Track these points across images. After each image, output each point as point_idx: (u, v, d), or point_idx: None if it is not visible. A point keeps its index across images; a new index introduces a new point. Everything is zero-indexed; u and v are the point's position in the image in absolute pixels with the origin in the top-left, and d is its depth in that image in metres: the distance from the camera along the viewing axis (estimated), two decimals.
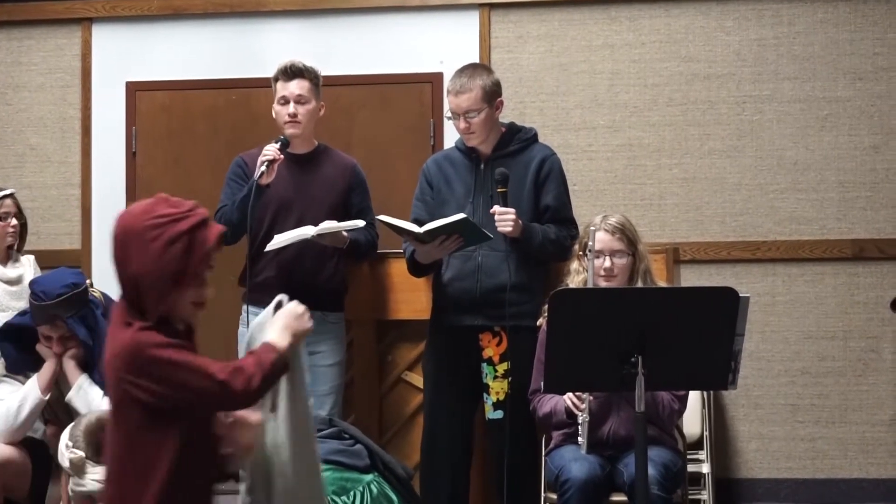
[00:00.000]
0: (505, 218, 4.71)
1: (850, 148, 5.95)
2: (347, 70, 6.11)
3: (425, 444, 4.98)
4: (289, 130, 5.08)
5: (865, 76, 5.94)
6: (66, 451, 3.93)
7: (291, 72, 5.06)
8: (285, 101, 5.07)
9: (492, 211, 4.74)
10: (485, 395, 4.87)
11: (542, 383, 4.16)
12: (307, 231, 4.88)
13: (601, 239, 4.45)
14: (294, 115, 5.04)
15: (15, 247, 5.56)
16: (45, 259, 5.88)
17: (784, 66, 5.99)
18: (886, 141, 5.92)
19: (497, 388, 4.83)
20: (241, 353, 4.99)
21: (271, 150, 4.94)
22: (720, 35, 6.03)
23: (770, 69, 5.99)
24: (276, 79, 5.11)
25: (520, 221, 4.73)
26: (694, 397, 5.16)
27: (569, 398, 4.34)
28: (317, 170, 5.14)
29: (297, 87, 5.05)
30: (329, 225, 4.91)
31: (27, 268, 5.60)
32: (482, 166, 4.95)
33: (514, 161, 4.91)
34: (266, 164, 4.90)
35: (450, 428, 4.91)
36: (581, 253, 4.56)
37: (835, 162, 5.95)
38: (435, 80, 6.11)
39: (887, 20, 5.94)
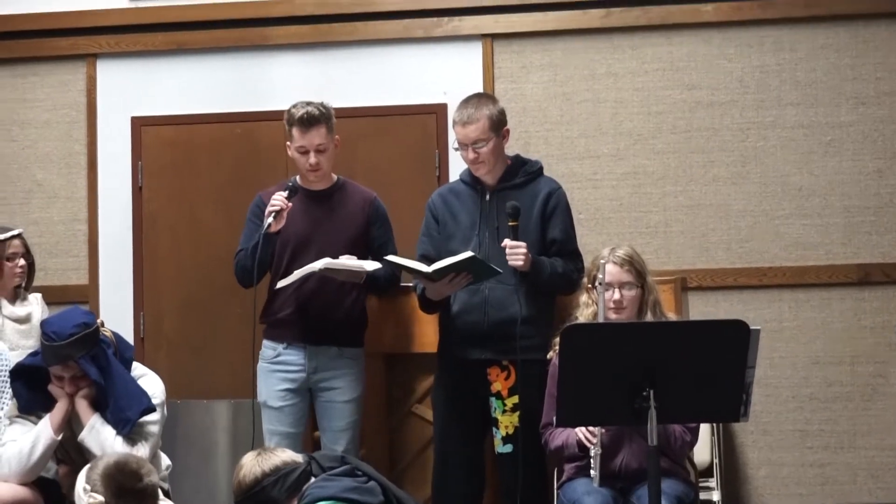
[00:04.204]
0: (516, 252, 4.73)
1: (854, 173, 5.96)
2: (351, 102, 6.12)
3: (436, 478, 4.98)
4: (311, 178, 5.10)
5: (868, 101, 5.96)
6: (85, 495, 3.92)
7: (308, 121, 5.05)
8: (305, 150, 5.07)
9: (503, 244, 4.75)
10: (494, 429, 4.87)
11: (553, 417, 4.17)
12: (315, 265, 4.90)
13: (610, 271, 4.47)
14: (316, 165, 5.06)
15: (23, 286, 5.59)
16: (53, 294, 5.91)
17: (787, 92, 6.01)
18: (890, 165, 5.94)
19: (506, 422, 4.83)
20: (262, 387, 5.08)
21: (279, 200, 4.96)
22: (722, 62, 6.05)
23: (773, 95, 6.01)
24: (290, 124, 5.09)
25: (530, 255, 4.75)
26: (704, 425, 5.16)
27: (581, 431, 4.35)
28: (336, 205, 5.15)
29: (315, 136, 5.05)
30: (341, 261, 4.93)
31: (35, 306, 5.62)
32: (488, 198, 4.97)
33: (520, 193, 4.92)
34: (273, 214, 4.94)
35: (460, 461, 4.91)
36: (590, 286, 4.57)
37: (839, 187, 5.97)
38: (439, 111, 6.13)
39: (888, 45, 5.96)
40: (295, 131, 5.07)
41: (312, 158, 5.06)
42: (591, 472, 4.30)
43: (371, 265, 4.94)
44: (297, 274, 4.93)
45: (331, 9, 6.28)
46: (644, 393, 3.75)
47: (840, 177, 5.97)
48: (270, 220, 4.94)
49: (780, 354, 5.92)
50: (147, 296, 6.29)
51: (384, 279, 5.07)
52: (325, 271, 4.91)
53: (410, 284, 5.13)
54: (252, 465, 4.00)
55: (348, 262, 4.93)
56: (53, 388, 4.62)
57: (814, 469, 5.90)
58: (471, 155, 4.93)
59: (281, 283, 4.98)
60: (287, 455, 4.04)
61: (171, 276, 6.29)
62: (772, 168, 6.00)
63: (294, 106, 5.10)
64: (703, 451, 5.28)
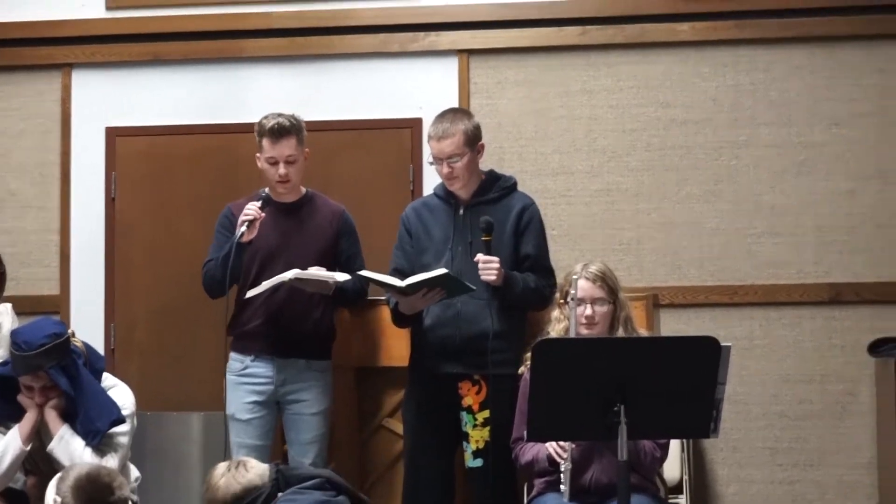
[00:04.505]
0: (489, 266, 4.74)
1: (826, 193, 5.99)
2: (327, 115, 6.13)
3: (407, 491, 4.97)
4: (280, 189, 5.11)
5: (842, 122, 5.99)
6: None
7: (278, 131, 5.06)
8: (274, 161, 5.08)
9: (476, 259, 4.76)
10: (464, 443, 4.88)
11: (524, 431, 4.17)
12: (285, 275, 4.91)
13: (582, 287, 4.48)
14: (285, 176, 5.08)
15: None
16: (24, 304, 5.86)
17: (761, 111, 6.04)
18: (863, 186, 5.97)
19: (477, 437, 4.84)
20: (230, 400, 5.07)
21: (252, 210, 4.97)
22: (697, 81, 6.08)
23: (747, 115, 6.04)
24: (260, 135, 5.11)
25: (503, 270, 4.76)
26: (674, 441, 5.17)
27: (551, 446, 4.35)
28: (304, 217, 5.16)
29: (285, 146, 5.07)
30: (311, 272, 4.93)
31: (4, 316, 5.58)
32: (461, 212, 4.98)
33: (494, 209, 4.94)
34: (246, 224, 4.94)
35: (431, 475, 4.91)
36: (562, 301, 4.59)
37: (811, 207, 6.00)
38: (414, 125, 6.14)
39: (863, 66, 6.00)
40: (265, 142, 5.09)
41: (282, 169, 5.07)
42: (562, 486, 4.31)
43: (341, 276, 4.96)
44: (266, 284, 4.94)
45: (308, 22, 6.28)
46: (615, 408, 3.77)
47: (813, 196, 6.00)
48: (244, 229, 4.95)
49: (750, 372, 5.94)
50: (118, 307, 6.26)
51: (353, 291, 5.08)
52: (295, 282, 4.91)
53: (383, 298, 5.14)
54: (227, 483, 3.98)
55: (318, 272, 4.94)
56: (23, 399, 4.60)
57: (783, 486, 5.91)
58: (445, 169, 4.94)
59: (250, 293, 4.99)
60: (260, 468, 4.04)
61: (143, 288, 6.26)
62: (745, 187, 6.03)
63: (265, 117, 5.13)
64: (672, 467, 5.29)
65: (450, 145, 4.93)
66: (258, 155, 5.14)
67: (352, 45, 6.27)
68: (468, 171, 4.95)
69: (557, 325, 4.60)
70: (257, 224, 4.98)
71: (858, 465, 5.88)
